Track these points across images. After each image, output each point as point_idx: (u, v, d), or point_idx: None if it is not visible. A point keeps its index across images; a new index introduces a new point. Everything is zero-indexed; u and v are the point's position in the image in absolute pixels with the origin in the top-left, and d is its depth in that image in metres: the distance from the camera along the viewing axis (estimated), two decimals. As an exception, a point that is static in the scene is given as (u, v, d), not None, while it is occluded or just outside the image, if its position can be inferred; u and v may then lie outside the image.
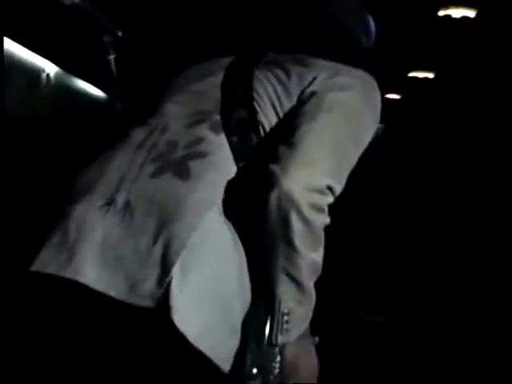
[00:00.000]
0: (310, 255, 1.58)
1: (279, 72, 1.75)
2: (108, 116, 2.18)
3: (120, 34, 2.01)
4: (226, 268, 1.51)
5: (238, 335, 1.53)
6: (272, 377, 1.60)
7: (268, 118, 1.69)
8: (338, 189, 1.63)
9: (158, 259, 1.43)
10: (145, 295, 1.42)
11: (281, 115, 1.70)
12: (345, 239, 6.81)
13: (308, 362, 1.77)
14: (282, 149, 1.60)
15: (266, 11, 1.98)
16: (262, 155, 1.64)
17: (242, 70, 1.80)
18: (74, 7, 1.90)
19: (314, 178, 1.58)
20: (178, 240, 1.44)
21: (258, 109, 1.69)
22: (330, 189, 1.59)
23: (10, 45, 5.99)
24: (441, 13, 6.80)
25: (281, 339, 1.57)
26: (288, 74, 1.74)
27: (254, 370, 1.57)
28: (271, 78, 1.74)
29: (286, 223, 1.52)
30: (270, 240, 1.56)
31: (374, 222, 9.76)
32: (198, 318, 1.45)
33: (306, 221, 1.53)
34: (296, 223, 1.52)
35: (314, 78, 1.72)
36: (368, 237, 9.04)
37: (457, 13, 6.66)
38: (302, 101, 1.70)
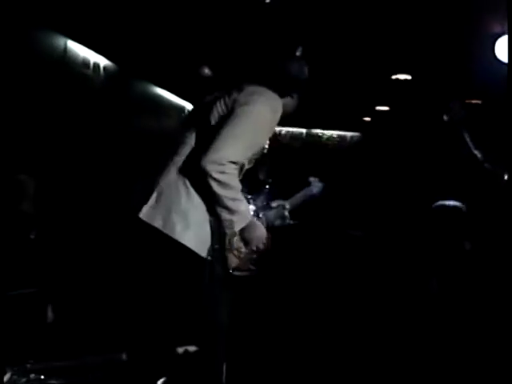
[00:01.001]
0: (223, 193, 3.00)
1: (227, 96, 3.20)
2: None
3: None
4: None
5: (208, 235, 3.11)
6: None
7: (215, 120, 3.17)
8: (241, 161, 3.07)
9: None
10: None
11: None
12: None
13: (255, 233, 3.20)
14: (209, 142, 3.00)
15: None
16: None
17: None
18: (208, 76, 4.00)
19: (218, 157, 2.95)
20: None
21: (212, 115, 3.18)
22: (232, 162, 2.98)
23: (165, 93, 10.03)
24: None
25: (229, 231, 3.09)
26: (230, 96, 3.18)
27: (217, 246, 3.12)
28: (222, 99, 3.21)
29: (207, 183, 2.98)
30: (206, 190, 3.02)
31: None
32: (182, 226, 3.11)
33: (215, 180, 2.97)
34: (211, 182, 2.97)
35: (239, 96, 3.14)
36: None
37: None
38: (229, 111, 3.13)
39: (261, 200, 3.67)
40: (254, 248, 3.22)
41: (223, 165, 2.95)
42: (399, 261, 8.30)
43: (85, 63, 7.99)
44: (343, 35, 7.84)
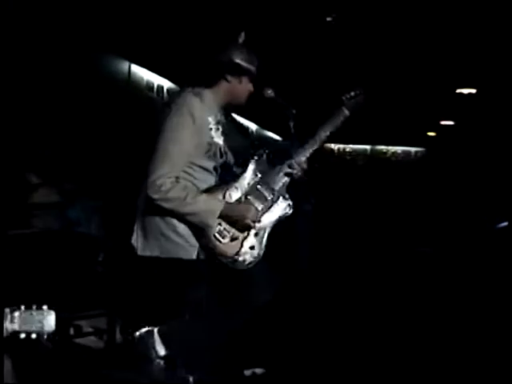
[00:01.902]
0: (174, 207, 3.32)
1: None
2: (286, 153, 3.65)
3: (294, 111, 3.63)
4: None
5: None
6: None
7: None
8: (173, 173, 3.31)
9: None
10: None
11: None
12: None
13: (235, 214, 3.42)
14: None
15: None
16: None
17: None
18: (270, 97, 3.65)
19: (151, 181, 3.27)
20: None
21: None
22: (164, 178, 3.27)
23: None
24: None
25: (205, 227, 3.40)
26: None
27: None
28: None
29: (159, 205, 3.32)
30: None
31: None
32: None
33: (159, 200, 3.30)
34: (159, 203, 3.31)
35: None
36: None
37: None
38: None
39: (248, 175, 3.58)
40: (242, 227, 3.44)
41: (157, 185, 3.29)
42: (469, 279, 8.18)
43: (149, 86, 8.11)
44: (406, 50, 7.77)
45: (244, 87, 3.60)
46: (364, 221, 13.32)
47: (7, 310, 2.52)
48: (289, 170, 3.58)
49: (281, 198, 3.55)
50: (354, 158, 18.15)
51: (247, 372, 4.21)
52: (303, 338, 5.31)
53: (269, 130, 13.81)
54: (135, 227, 3.61)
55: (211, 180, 3.49)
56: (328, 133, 3.67)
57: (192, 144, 3.39)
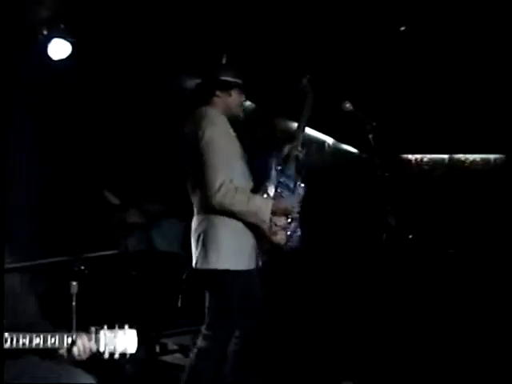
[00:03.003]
0: (239, 208, 3.64)
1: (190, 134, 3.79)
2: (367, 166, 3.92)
3: (374, 123, 3.77)
4: None
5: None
6: None
7: None
8: (227, 178, 3.60)
9: None
10: None
11: None
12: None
13: (280, 208, 3.79)
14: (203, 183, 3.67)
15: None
16: None
17: None
18: (349, 110, 3.81)
19: (215, 189, 3.58)
20: None
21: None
22: (223, 184, 3.58)
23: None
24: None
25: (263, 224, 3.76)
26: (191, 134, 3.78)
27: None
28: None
29: (228, 210, 3.65)
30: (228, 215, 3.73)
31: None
32: None
33: (228, 204, 3.61)
34: (228, 207, 3.62)
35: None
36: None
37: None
38: None
39: (272, 177, 3.98)
40: (289, 219, 3.87)
41: (222, 192, 3.59)
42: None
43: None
44: (485, 54, 7.64)
45: (234, 99, 3.97)
46: (443, 232, 13.09)
47: (92, 329, 2.60)
48: (296, 153, 3.99)
49: (298, 182, 4.00)
50: (432, 167, 17.88)
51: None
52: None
53: (346, 143, 13.74)
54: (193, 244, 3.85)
55: (245, 177, 3.87)
56: (306, 118, 4.06)
57: (229, 149, 3.74)
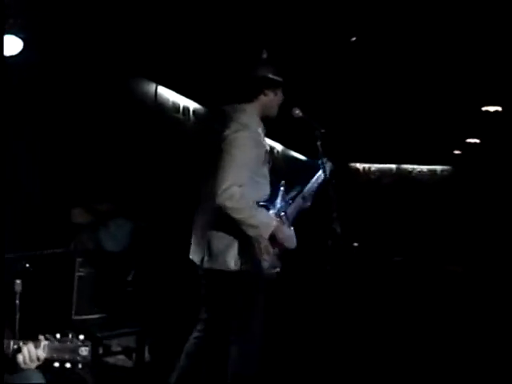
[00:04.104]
0: (241, 216, 3.53)
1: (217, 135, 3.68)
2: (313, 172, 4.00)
3: (323, 130, 3.71)
4: None
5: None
6: None
7: None
8: (240, 181, 3.52)
9: None
10: None
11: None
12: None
13: (284, 234, 3.75)
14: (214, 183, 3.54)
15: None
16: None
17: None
18: (299, 117, 3.79)
19: (222, 188, 3.46)
20: None
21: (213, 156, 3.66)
22: (233, 185, 3.47)
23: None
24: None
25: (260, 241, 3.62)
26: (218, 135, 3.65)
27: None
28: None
29: (227, 213, 3.51)
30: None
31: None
32: None
33: (229, 208, 3.49)
34: (228, 211, 3.50)
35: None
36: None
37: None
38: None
39: (278, 201, 3.93)
40: (287, 247, 3.84)
41: (228, 193, 3.49)
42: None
43: (175, 107, 8.17)
44: (432, 68, 7.78)
45: (278, 99, 3.90)
46: (389, 239, 13.27)
47: (41, 337, 2.45)
48: (302, 203, 3.99)
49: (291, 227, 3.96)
50: (380, 177, 18.09)
51: None
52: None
53: (294, 150, 13.85)
54: (196, 243, 3.81)
55: (267, 184, 3.83)
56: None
57: (253, 155, 3.67)
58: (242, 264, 3.66)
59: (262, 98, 3.82)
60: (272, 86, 3.84)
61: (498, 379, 5.08)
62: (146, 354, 5.12)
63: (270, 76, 3.83)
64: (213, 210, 3.63)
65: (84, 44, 5.47)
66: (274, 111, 3.93)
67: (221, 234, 3.67)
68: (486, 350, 5.78)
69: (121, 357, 5.12)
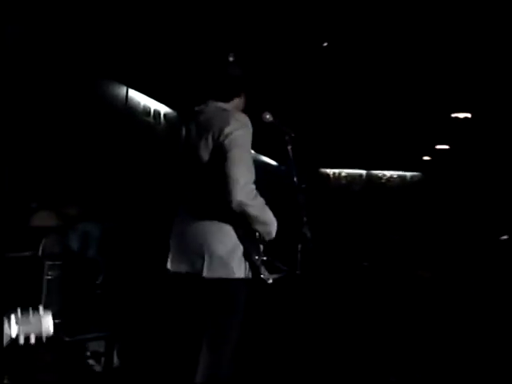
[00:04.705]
0: (257, 213, 3.43)
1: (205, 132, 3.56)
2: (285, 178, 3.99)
3: (293, 135, 3.82)
4: None
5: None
6: None
7: None
8: (253, 179, 3.43)
9: None
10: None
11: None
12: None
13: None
14: (223, 181, 3.38)
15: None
16: None
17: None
18: (269, 122, 3.81)
19: (241, 187, 3.32)
20: None
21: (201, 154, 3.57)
22: (251, 184, 3.39)
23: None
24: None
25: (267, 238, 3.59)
26: (207, 131, 3.53)
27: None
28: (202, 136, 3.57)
29: (244, 211, 3.37)
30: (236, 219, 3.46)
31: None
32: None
33: (250, 206, 3.36)
34: (248, 208, 3.36)
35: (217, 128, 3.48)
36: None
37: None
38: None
39: None
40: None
41: (246, 190, 3.38)
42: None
43: (145, 111, 8.17)
44: (401, 74, 7.85)
45: (244, 102, 3.83)
46: (360, 244, 13.36)
47: (5, 315, 2.49)
48: None
49: None
50: (350, 182, 18.22)
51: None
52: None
53: (264, 155, 13.91)
54: (182, 252, 3.64)
55: None
56: None
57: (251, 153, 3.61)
58: (247, 270, 3.56)
59: (236, 99, 3.76)
60: (245, 88, 3.81)
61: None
62: (115, 359, 5.10)
63: (244, 79, 3.79)
64: (208, 214, 3.53)
65: (56, 45, 5.45)
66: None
67: (222, 240, 3.52)
68: (453, 354, 5.84)
69: (90, 361, 5.10)
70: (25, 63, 5.24)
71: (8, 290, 2.58)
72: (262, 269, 3.62)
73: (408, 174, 17.99)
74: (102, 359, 5.03)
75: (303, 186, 3.79)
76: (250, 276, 3.57)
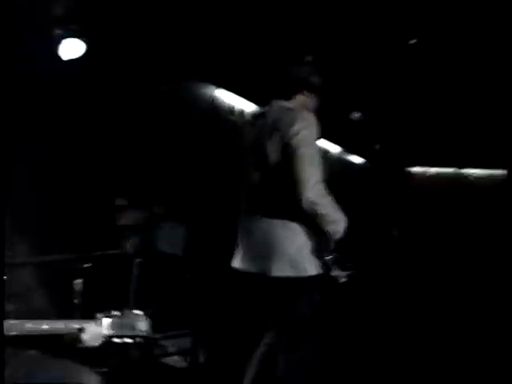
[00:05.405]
0: (327, 211, 3.48)
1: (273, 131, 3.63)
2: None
3: (381, 134, 4.26)
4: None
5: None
6: None
7: None
8: (320, 179, 3.46)
9: None
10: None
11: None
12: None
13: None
14: (293, 180, 3.46)
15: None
16: None
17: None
18: (358, 120, 4.39)
19: (311, 185, 3.40)
20: None
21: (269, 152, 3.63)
22: (320, 183, 3.44)
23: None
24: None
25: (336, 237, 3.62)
26: (275, 130, 3.61)
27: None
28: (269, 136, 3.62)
29: (313, 209, 3.43)
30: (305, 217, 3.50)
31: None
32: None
33: (319, 204, 3.44)
34: (317, 207, 3.43)
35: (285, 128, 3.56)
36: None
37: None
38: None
39: None
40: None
41: (317, 189, 3.44)
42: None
43: (230, 109, 8.21)
44: (492, 70, 7.66)
45: (315, 104, 3.91)
46: (450, 245, 13.09)
47: (99, 315, 2.54)
48: None
49: None
50: (437, 180, 17.89)
51: None
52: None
53: (353, 153, 13.79)
54: (249, 250, 3.71)
55: None
56: None
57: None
58: (317, 268, 3.60)
59: (300, 97, 3.84)
60: (310, 88, 3.86)
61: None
62: (201, 356, 5.15)
63: (310, 79, 3.87)
64: (277, 213, 3.57)
65: (143, 47, 5.53)
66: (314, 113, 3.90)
67: (291, 238, 3.57)
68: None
69: (176, 358, 5.16)
70: (113, 65, 5.34)
71: (97, 288, 2.64)
72: (333, 267, 3.63)
73: (496, 171, 17.55)
74: (188, 356, 5.09)
75: (392, 185, 3.79)
76: (321, 274, 3.57)
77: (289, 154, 3.50)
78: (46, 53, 4.60)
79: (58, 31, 4.53)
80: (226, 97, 8.04)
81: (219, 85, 7.62)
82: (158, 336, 4.80)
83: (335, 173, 9.69)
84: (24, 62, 4.40)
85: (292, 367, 3.60)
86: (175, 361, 5.15)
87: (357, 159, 14.00)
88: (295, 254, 3.53)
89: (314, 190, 3.43)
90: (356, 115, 3.85)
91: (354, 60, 6.42)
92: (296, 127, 3.52)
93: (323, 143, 10.76)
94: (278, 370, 3.63)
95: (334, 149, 12.37)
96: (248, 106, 8.58)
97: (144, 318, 2.55)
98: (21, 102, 4.41)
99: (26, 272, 2.76)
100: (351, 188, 8.24)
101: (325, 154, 10.83)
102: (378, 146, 3.78)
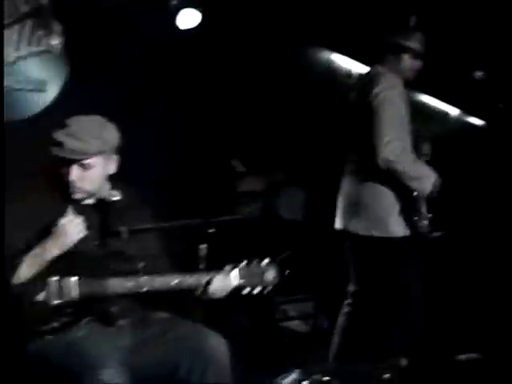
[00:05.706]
0: (405, 169, 3.55)
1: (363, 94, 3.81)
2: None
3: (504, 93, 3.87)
4: None
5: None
6: None
7: None
8: (401, 139, 3.55)
9: None
10: None
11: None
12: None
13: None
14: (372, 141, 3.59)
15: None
16: None
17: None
18: (481, 79, 3.85)
19: (384, 144, 3.51)
20: None
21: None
22: (395, 141, 3.50)
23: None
24: None
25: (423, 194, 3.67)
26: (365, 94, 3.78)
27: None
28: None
29: (393, 167, 3.49)
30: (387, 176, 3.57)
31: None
32: None
33: (394, 162, 3.49)
34: (395, 164, 3.49)
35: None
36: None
37: None
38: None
39: None
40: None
41: (390, 147, 3.47)
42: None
43: (347, 74, 8.10)
44: None
45: (406, 64, 3.91)
46: None
47: (227, 267, 2.60)
48: None
49: None
50: None
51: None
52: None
53: (472, 115, 13.33)
54: (346, 210, 3.81)
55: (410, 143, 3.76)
56: None
57: (403, 112, 3.68)
58: (405, 229, 3.61)
59: (391, 60, 3.89)
60: (394, 51, 3.90)
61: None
62: (324, 322, 5.15)
63: (399, 41, 3.89)
64: (366, 173, 3.67)
65: (257, 13, 5.53)
66: (407, 75, 3.93)
67: (379, 198, 3.66)
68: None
69: (296, 322, 5.20)
70: (228, 33, 5.37)
71: (221, 254, 2.68)
72: (424, 226, 3.59)
73: None
74: (310, 321, 5.13)
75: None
76: (410, 234, 3.55)
77: (370, 114, 3.59)
78: (164, 23, 4.68)
79: (174, 2, 4.59)
80: (342, 61, 7.95)
81: (335, 49, 7.53)
82: (282, 299, 4.86)
83: (453, 136, 9.44)
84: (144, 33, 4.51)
85: (405, 332, 3.63)
86: (296, 325, 5.20)
87: (478, 121, 13.53)
88: (382, 214, 3.58)
89: (387, 148, 3.48)
90: (479, 74, 3.71)
91: (477, 17, 6.17)
92: (378, 89, 3.62)
93: (441, 105, 10.49)
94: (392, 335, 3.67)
95: (454, 111, 12.00)
96: (365, 71, 8.46)
97: (272, 265, 2.56)
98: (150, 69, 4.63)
99: (152, 237, 2.83)
100: (470, 153, 7.93)
101: (443, 116, 10.55)
102: (501, 105, 3.64)
